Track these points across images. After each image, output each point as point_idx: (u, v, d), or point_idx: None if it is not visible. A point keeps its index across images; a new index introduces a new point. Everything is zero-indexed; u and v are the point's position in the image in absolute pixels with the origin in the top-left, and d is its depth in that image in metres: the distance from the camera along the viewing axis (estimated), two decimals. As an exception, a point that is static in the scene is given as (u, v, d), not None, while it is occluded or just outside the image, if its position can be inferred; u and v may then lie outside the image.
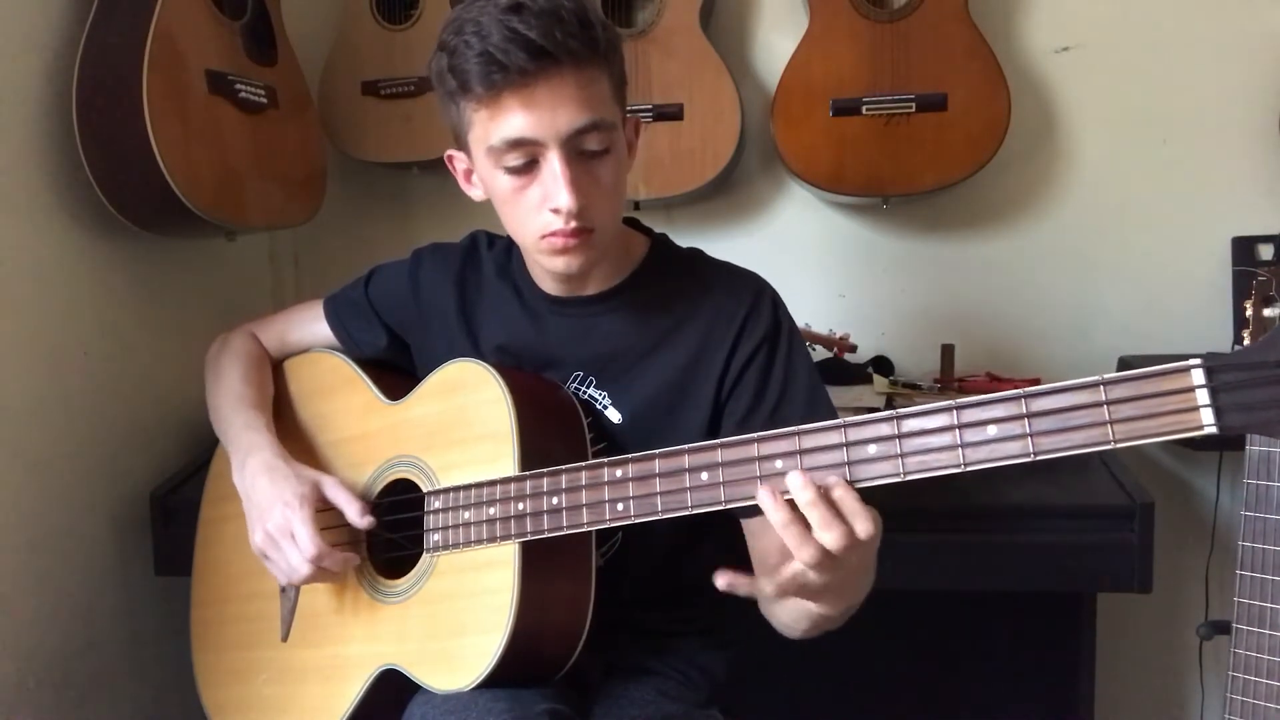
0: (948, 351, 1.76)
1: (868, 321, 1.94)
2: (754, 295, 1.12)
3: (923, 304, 1.96)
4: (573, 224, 1.00)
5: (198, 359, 1.36)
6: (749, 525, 1.08)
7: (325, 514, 1.11)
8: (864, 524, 0.81)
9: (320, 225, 1.84)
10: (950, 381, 1.75)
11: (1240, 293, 1.66)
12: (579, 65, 0.96)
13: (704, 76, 1.80)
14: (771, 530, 0.89)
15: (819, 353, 1.81)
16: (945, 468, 0.77)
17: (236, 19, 1.60)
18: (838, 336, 1.81)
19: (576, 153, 1.00)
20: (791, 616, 0.99)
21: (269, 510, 1.11)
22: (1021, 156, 1.86)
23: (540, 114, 0.96)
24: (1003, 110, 1.71)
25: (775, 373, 1.10)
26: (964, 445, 0.75)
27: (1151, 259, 1.86)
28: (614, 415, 1.12)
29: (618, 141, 1.03)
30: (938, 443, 0.76)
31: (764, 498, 0.83)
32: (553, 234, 1.02)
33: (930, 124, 1.72)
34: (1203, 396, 0.68)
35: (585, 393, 1.14)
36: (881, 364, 1.89)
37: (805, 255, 1.99)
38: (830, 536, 0.81)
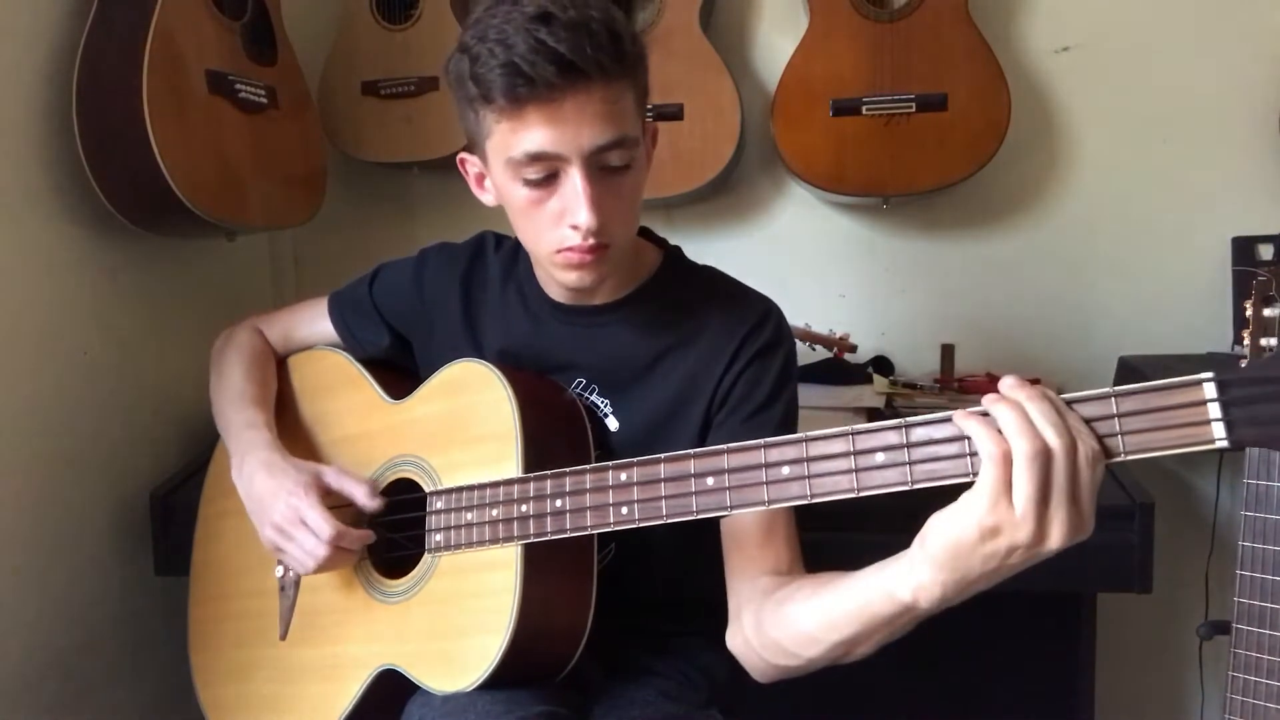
0: (948, 351, 1.76)
1: (868, 321, 1.94)
2: (757, 317, 1.11)
3: (923, 304, 1.96)
4: (590, 240, 0.99)
5: (198, 359, 1.36)
6: (737, 531, 1.05)
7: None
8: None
9: (320, 225, 1.84)
10: (950, 381, 1.75)
11: (1240, 293, 1.67)
12: (607, 81, 0.94)
13: (704, 76, 1.80)
14: (772, 537, 0.92)
15: (819, 353, 1.81)
16: (953, 477, 0.76)
17: (236, 19, 1.60)
18: (838, 336, 1.81)
19: (598, 168, 0.98)
20: (834, 619, 0.87)
21: (272, 503, 1.10)
22: (1021, 157, 1.86)
23: (564, 129, 0.94)
24: (1003, 110, 1.71)
25: (763, 386, 1.09)
26: (972, 454, 0.74)
27: (1151, 259, 1.86)
28: (612, 424, 1.12)
29: (639, 156, 1.02)
30: (946, 451, 0.76)
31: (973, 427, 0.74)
32: (569, 249, 1.00)
33: (930, 124, 1.71)
34: (1214, 410, 0.68)
35: (587, 399, 1.13)
36: (881, 364, 1.89)
37: (805, 255, 1.99)
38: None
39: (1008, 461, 0.72)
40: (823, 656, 0.90)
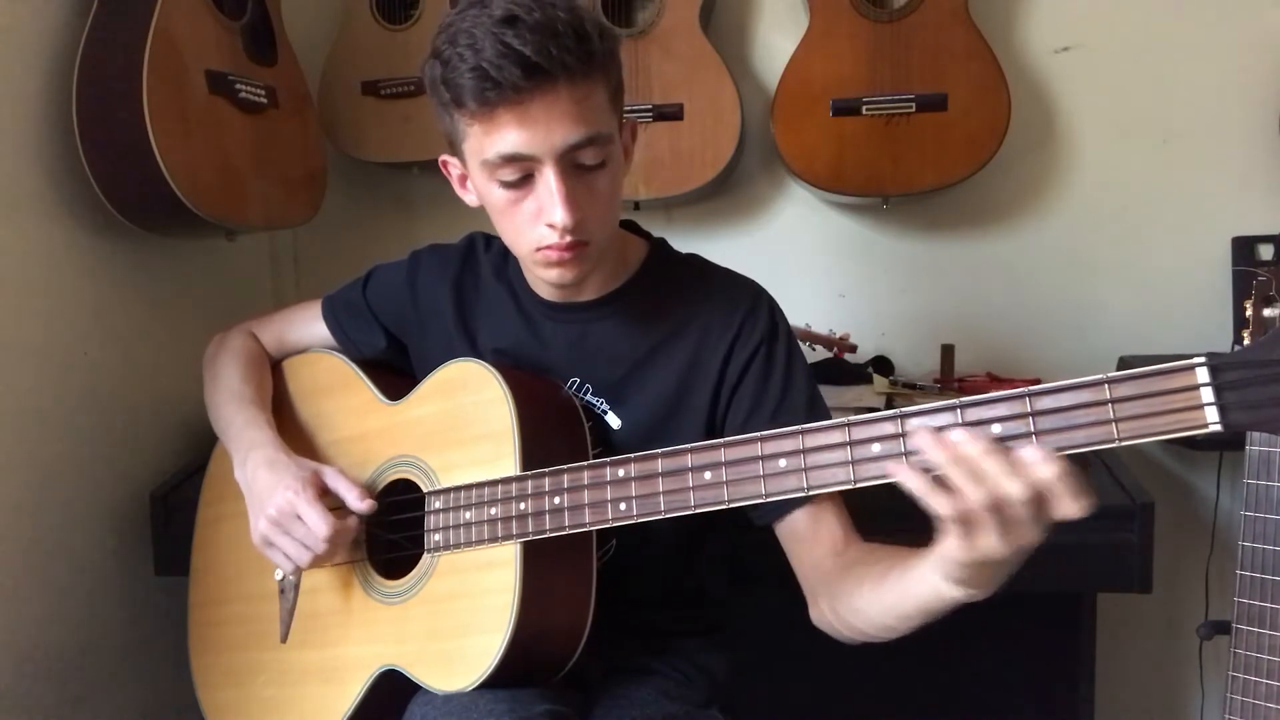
0: (948, 351, 1.76)
1: (868, 321, 1.94)
2: (751, 301, 1.12)
3: (923, 304, 1.96)
4: (568, 238, 1.00)
5: (198, 359, 1.36)
6: (790, 528, 1.06)
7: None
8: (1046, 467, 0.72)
9: (320, 225, 1.84)
10: (950, 381, 1.75)
11: (1240, 293, 1.67)
12: (574, 80, 0.95)
13: (704, 76, 1.80)
14: (820, 527, 0.93)
15: (819, 353, 1.81)
16: None
17: (236, 19, 1.60)
18: (838, 336, 1.81)
19: (572, 166, 0.99)
20: (904, 613, 0.90)
21: (270, 498, 1.10)
22: (1021, 156, 1.86)
23: (535, 130, 0.95)
24: (1003, 110, 1.71)
25: (774, 378, 1.09)
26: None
27: (1151, 259, 1.86)
28: (613, 421, 1.12)
29: (614, 153, 1.03)
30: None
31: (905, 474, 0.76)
32: (548, 247, 1.01)
33: (930, 124, 1.71)
34: (1207, 395, 0.68)
35: (584, 398, 1.13)
36: (881, 364, 1.89)
37: (805, 255, 1.99)
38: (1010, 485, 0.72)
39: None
40: (907, 631, 0.93)
